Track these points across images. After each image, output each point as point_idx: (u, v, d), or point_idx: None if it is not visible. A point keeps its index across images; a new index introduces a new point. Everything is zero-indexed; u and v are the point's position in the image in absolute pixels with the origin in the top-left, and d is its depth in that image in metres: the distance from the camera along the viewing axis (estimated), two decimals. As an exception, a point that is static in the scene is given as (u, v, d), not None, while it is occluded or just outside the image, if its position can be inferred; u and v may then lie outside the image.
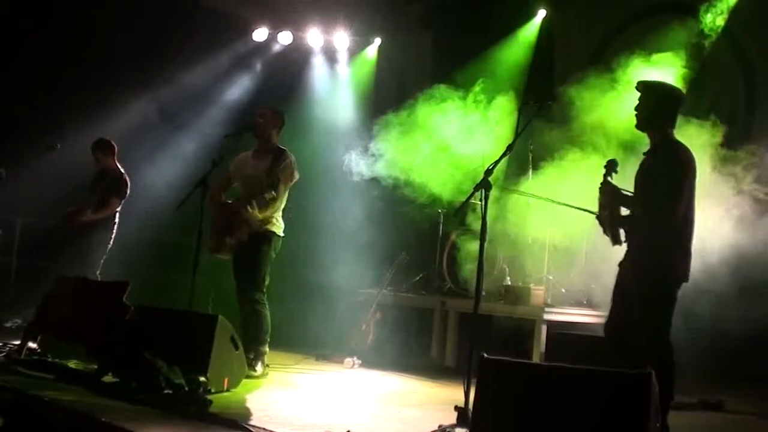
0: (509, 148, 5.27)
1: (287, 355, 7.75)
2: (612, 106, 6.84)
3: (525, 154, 8.35)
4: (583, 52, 9.86)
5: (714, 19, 8.40)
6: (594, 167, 6.01)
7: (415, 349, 8.36)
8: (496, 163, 5.17)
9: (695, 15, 8.45)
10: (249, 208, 6.59)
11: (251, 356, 6.52)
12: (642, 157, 5.07)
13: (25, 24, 10.26)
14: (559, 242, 8.02)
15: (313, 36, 11.70)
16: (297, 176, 6.92)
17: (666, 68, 6.94)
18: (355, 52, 11.91)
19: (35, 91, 10.31)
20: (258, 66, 11.79)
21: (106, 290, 6.52)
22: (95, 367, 5.78)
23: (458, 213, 5.56)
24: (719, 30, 8.42)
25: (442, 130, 8.26)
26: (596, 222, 5.10)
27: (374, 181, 8.52)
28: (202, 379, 5.37)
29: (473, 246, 7.66)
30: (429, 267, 9.02)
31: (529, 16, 10.37)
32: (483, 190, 5.07)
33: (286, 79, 11.60)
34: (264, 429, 4.57)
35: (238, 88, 11.57)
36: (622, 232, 4.95)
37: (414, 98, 8.45)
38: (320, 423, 4.94)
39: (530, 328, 7.54)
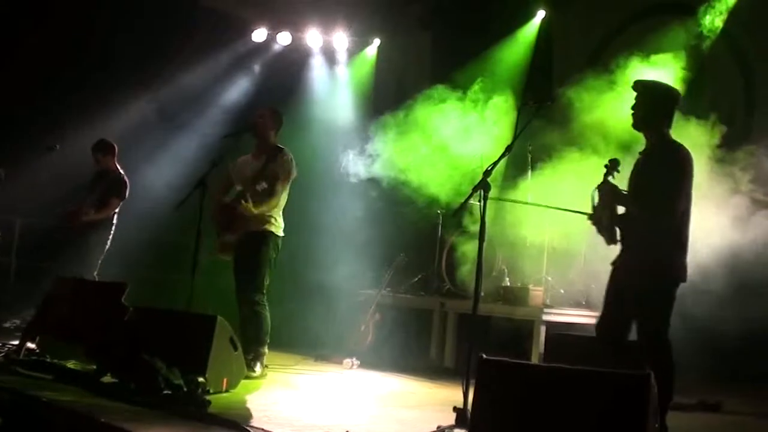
0: (508, 148, 5.27)
1: (286, 356, 7.75)
2: (611, 107, 6.84)
3: (524, 154, 8.35)
4: (582, 53, 9.86)
5: (713, 19, 8.41)
6: (593, 168, 6.00)
7: (414, 349, 8.36)
8: (495, 163, 5.17)
9: (695, 15, 8.45)
10: (243, 201, 6.60)
11: (250, 357, 6.52)
12: (637, 156, 5.08)
13: (25, 24, 10.27)
14: (558, 243, 8.03)
15: (312, 36, 11.71)
16: (295, 173, 6.92)
17: (665, 69, 6.94)
18: (354, 52, 11.91)
19: (35, 91, 10.32)
20: (257, 66, 11.78)
21: (104, 291, 6.52)
22: (94, 367, 5.78)
23: (457, 214, 5.56)
24: (718, 31, 8.42)
25: (441, 131, 8.26)
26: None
27: (373, 181, 8.52)
28: (200, 379, 5.37)
29: (471, 247, 7.67)
30: (428, 268, 9.02)
31: (529, 16, 10.37)
32: (482, 191, 5.07)
33: (285, 80, 11.60)
34: (263, 429, 4.57)
35: (238, 89, 11.58)
36: (617, 231, 4.96)
37: (413, 99, 8.46)
38: (319, 423, 4.94)
39: (529, 329, 7.54)
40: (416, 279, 9.09)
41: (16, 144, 9.15)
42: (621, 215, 4.99)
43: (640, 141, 5.14)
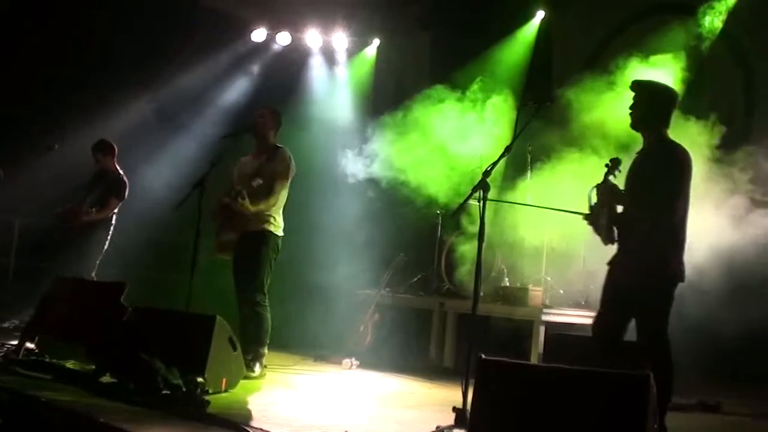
0: (507, 149, 5.27)
1: (285, 356, 7.74)
2: (610, 107, 6.84)
3: (523, 155, 8.35)
4: (581, 54, 9.85)
5: (712, 20, 8.41)
6: (592, 169, 6.01)
7: (413, 350, 8.36)
8: (495, 164, 5.17)
9: (695, 15, 8.45)
10: (239, 199, 6.60)
11: (249, 357, 6.52)
12: (634, 156, 5.09)
13: (25, 24, 10.27)
14: (557, 243, 8.02)
15: (312, 37, 11.71)
16: (294, 171, 6.91)
17: (664, 69, 6.94)
18: (353, 52, 11.92)
19: (35, 91, 10.32)
20: (257, 67, 11.78)
21: (103, 291, 6.52)
22: (93, 367, 5.78)
23: (456, 214, 5.57)
24: (717, 31, 8.42)
25: (440, 131, 8.26)
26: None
27: (372, 181, 8.52)
28: (199, 379, 5.37)
29: (470, 248, 7.67)
30: (427, 268, 9.02)
31: (528, 17, 10.37)
32: (481, 192, 5.07)
33: (284, 80, 11.60)
34: (262, 429, 4.56)
35: (237, 89, 11.58)
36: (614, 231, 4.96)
37: (412, 99, 8.45)
38: (318, 424, 4.94)
39: (528, 329, 7.54)
40: (416, 279, 9.09)
41: (15, 144, 9.16)
42: (619, 215, 4.99)
43: (639, 141, 5.14)
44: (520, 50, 10.35)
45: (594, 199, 5.01)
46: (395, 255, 8.72)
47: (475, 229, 5.07)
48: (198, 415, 4.83)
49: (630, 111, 5.03)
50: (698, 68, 7.92)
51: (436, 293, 8.72)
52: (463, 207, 5.30)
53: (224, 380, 5.70)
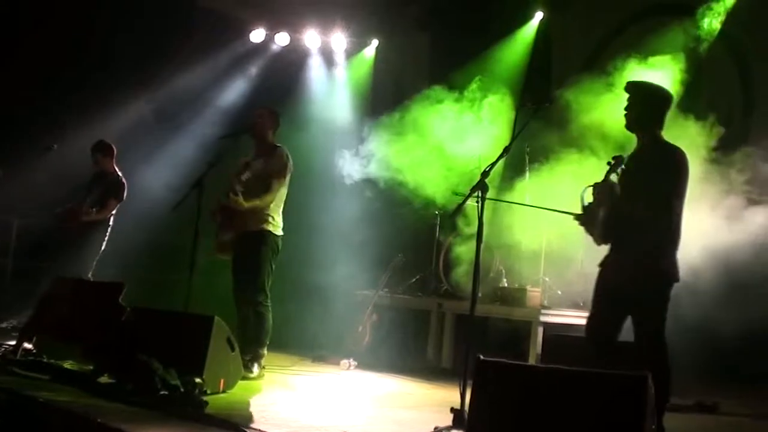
0: (506, 149, 5.27)
1: (284, 357, 7.74)
2: (609, 108, 6.84)
3: (521, 155, 8.34)
4: (580, 54, 9.86)
5: (711, 21, 8.41)
6: (590, 169, 6.01)
7: (411, 350, 8.36)
8: (493, 164, 5.18)
9: (694, 16, 8.45)
10: (232, 194, 6.60)
11: (248, 358, 6.52)
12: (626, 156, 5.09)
13: (25, 24, 10.26)
14: (556, 244, 8.01)
15: (311, 37, 11.70)
16: (291, 169, 6.90)
17: (663, 70, 6.94)
18: (352, 53, 11.91)
19: (35, 91, 10.31)
20: (255, 67, 11.78)
21: (102, 291, 6.52)
22: (91, 368, 5.78)
23: (454, 215, 5.57)
24: (716, 33, 8.42)
25: (439, 132, 8.26)
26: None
27: (370, 182, 8.52)
28: (198, 380, 5.37)
29: (468, 249, 7.67)
30: (426, 269, 9.02)
31: (527, 17, 10.37)
32: (480, 192, 5.07)
33: (283, 80, 11.59)
34: (260, 430, 4.57)
35: (236, 90, 11.57)
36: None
37: (411, 99, 8.45)
38: (316, 424, 4.95)
39: (527, 330, 7.54)
40: (414, 280, 9.09)
41: (15, 144, 9.15)
42: (616, 215, 4.97)
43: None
44: (519, 51, 10.35)
45: (587, 200, 5.00)
46: (393, 255, 8.72)
47: (472, 230, 5.08)
48: (196, 415, 4.83)
49: (625, 112, 5.04)
50: (697, 69, 7.92)
51: (435, 294, 8.72)
52: (461, 208, 5.30)
53: (222, 381, 5.69)
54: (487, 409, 4.06)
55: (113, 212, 8.43)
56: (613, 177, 4.94)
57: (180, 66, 10.89)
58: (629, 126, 5.05)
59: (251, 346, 6.66)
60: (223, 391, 5.69)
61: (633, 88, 5.09)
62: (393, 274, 8.72)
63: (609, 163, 4.96)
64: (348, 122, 10.97)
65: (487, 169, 5.13)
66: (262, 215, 6.81)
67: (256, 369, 6.60)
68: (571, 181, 6.90)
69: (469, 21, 10.77)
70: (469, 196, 5.13)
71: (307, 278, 9.18)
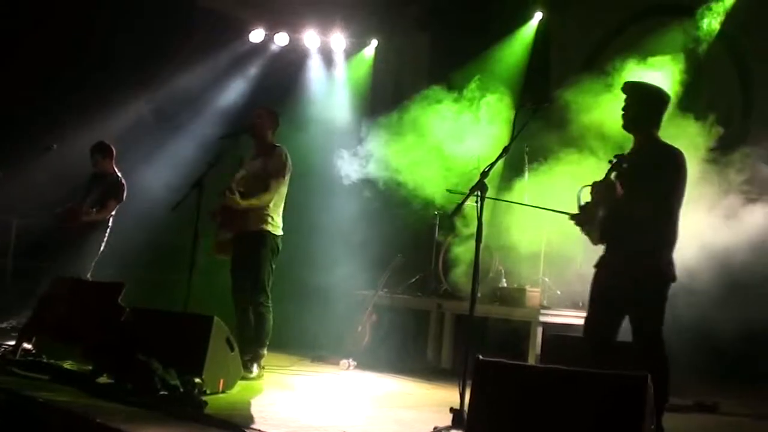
0: (505, 150, 5.27)
1: (283, 357, 7.74)
2: (608, 109, 6.84)
3: (521, 155, 8.34)
4: (580, 55, 9.86)
5: (710, 21, 8.41)
6: (589, 170, 6.01)
7: (410, 350, 8.37)
8: (492, 165, 5.18)
9: (693, 16, 8.45)
10: (228, 193, 6.61)
11: (248, 358, 6.52)
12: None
13: (25, 24, 10.26)
14: (555, 244, 8.01)
15: (310, 37, 11.70)
16: (290, 168, 6.90)
17: (662, 71, 6.95)
18: (351, 53, 11.91)
19: (35, 91, 10.31)
20: (255, 67, 11.78)
21: (101, 291, 6.52)
22: (90, 368, 5.77)
23: (454, 215, 5.57)
24: (716, 32, 8.42)
25: (438, 132, 8.26)
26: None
27: (369, 182, 8.52)
28: (197, 380, 5.37)
29: (468, 249, 7.66)
30: (425, 269, 9.02)
31: (526, 18, 10.37)
32: (479, 192, 5.07)
33: (282, 81, 11.59)
34: (259, 430, 4.57)
35: (235, 90, 11.57)
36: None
37: (410, 99, 8.45)
38: (316, 425, 4.95)
39: (526, 330, 7.54)
40: (413, 280, 9.09)
41: (15, 144, 9.15)
42: (615, 214, 4.96)
43: (635, 143, 5.15)
44: (519, 51, 10.35)
45: (583, 199, 5.00)
46: (393, 256, 8.72)
47: (470, 231, 5.08)
48: (195, 415, 4.83)
49: (622, 112, 5.05)
50: (696, 69, 7.92)
51: (434, 294, 8.72)
52: (460, 208, 5.30)
53: (222, 381, 5.70)
54: (487, 409, 4.06)
55: (113, 213, 8.43)
56: (613, 176, 4.95)
57: (180, 66, 10.89)
58: (626, 126, 5.06)
59: (251, 346, 6.66)
60: (223, 392, 5.69)
61: (630, 88, 5.10)
62: (392, 275, 8.72)
63: (611, 162, 4.97)
64: (347, 122, 10.97)
65: (487, 170, 5.13)
66: (261, 215, 6.81)
67: (255, 369, 6.60)
68: (570, 181, 6.90)
69: (469, 21, 10.77)
70: (469, 196, 5.13)
71: (307, 278, 9.19)
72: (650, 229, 4.80)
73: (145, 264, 9.96)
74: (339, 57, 11.85)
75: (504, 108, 8.09)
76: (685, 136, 6.07)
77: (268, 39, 11.67)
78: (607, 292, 4.94)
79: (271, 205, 6.84)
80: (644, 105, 5.01)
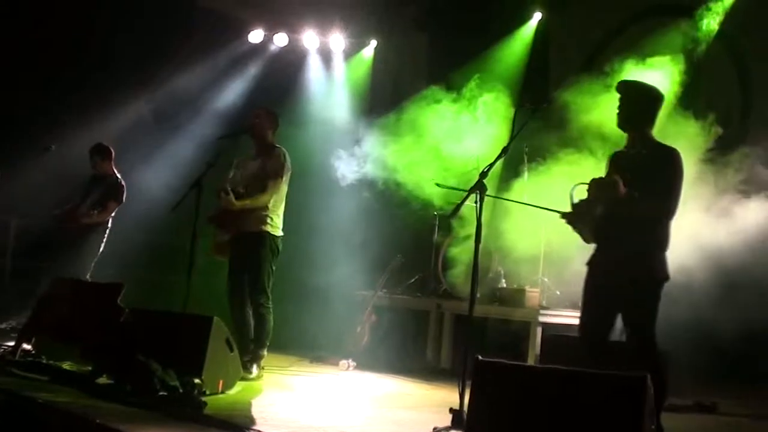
0: (504, 150, 5.27)
1: (282, 357, 7.74)
2: (607, 109, 6.84)
3: (520, 156, 8.34)
4: (579, 55, 9.86)
5: (710, 22, 8.42)
6: (589, 170, 6.01)
7: (410, 351, 8.37)
8: (491, 165, 5.18)
9: (692, 17, 8.45)
10: (223, 193, 6.62)
11: (247, 358, 6.52)
12: (611, 154, 5.11)
13: (25, 24, 10.26)
14: (554, 244, 8.01)
15: (309, 38, 11.70)
16: (289, 168, 6.90)
17: (661, 71, 6.95)
18: (350, 53, 11.91)
19: (35, 91, 10.31)
20: (254, 68, 11.77)
21: (100, 292, 6.52)
22: (90, 368, 5.77)
23: (453, 215, 5.57)
24: (715, 33, 8.43)
25: (437, 132, 8.26)
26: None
27: (368, 182, 8.52)
28: (196, 381, 5.37)
29: (467, 249, 7.66)
30: (424, 269, 9.02)
31: (525, 18, 10.37)
32: (478, 193, 5.08)
33: (282, 81, 11.58)
34: (259, 431, 4.57)
35: (234, 90, 11.57)
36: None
37: (409, 100, 8.45)
38: (315, 425, 4.95)
39: (525, 331, 7.54)
40: (413, 280, 9.09)
41: (15, 144, 9.14)
42: (614, 213, 4.95)
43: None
44: (518, 51, 10.35)
45: (576, 198, 4.99)
46: (392, 256, 8.71)
47: (469, 231, 5.08)
48: (195, 416, 4.84)
49: (617, 112, 5.05)
50: (695, 70, 7.92)
51: (433, 295, 8.72)
52: (459, 208, 5.29)
53: (221, 382, 5.70)
54: (486, 409, 4.06)
55: (112, 215, 8.43)
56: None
57: (179, 66, 10.88)
58: (621, 125, 5.06)
59: (251, 346, 6.66)
60: (222, 392, 5.69)
61: (624, 87, 5.11)
62: (392, 275, 8.71)
63: (610, 158, 4.97)
64: (346, 122, 10.97)
65: (486, 170, 5.13)
66: (260, 216, 6.80)
67: (255, 370, 6.60)
68: (569, 181, 6.90)
69: (468, 21, 10.77)
70: (468, 196, 5.13)
71: (306, 279, 9.18)
72: (643, 228, 4.80)
73: (144, 264, 9.96)
74: (338, 57, 11.84)
75: (503, 108, 8.09)
76: (684, 136, 6.08)
77: (268, 39, 11.67)
78: (600, 290, 4.93)
79: (270, 205, 6.83)
80: (638, 103, 5.01)
